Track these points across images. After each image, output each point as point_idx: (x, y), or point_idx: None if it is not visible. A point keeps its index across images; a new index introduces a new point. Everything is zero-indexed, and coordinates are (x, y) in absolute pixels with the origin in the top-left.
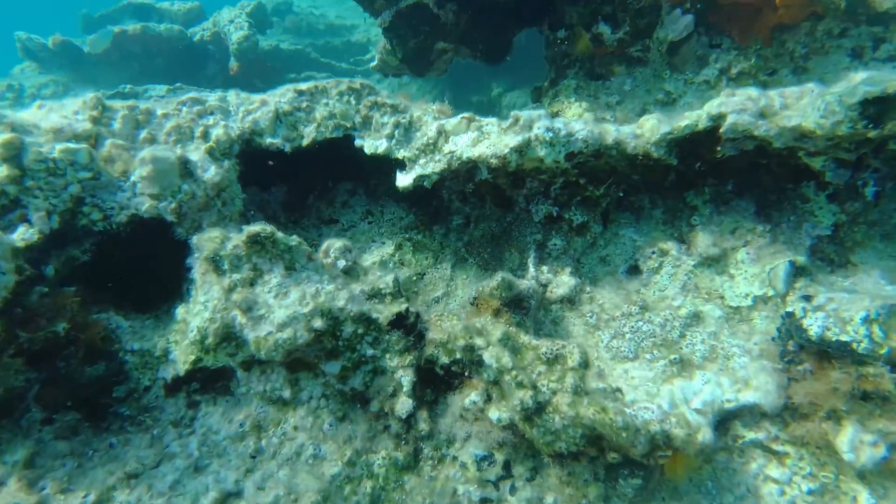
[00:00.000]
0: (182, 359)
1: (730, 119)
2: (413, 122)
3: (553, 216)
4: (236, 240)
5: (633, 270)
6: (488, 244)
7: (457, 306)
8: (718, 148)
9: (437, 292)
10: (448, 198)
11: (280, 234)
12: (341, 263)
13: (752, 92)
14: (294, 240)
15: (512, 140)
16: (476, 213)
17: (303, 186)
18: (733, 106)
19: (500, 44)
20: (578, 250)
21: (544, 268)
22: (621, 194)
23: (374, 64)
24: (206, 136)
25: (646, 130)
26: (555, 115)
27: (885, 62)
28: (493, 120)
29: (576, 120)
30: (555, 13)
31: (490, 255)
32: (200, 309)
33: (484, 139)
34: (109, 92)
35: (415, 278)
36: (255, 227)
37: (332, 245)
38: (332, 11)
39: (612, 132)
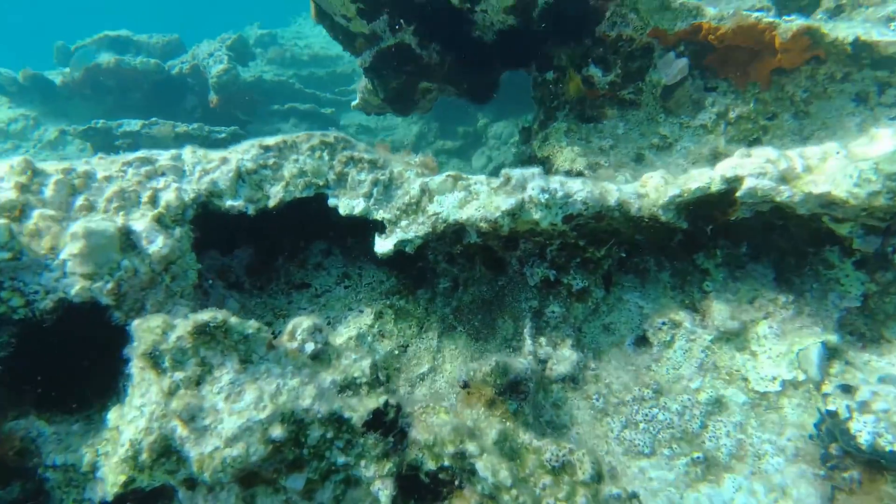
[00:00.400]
0: (111, 479)
1: (748, 183)
2: (393, 180)
3: (550, 280)
4: (181, 329)
5: (642, 342)
6: (479, 310)
7: (445, 385)
8: (733, 211)
9: (423, 367)
10: (434, 259)
11: (234, 321)
12: (309, 347)
13: (770, 152)
14: (251, 326)
15: (504, 202)
16: (465, 276)
17: (271, 247)
18: (751, 168)
19: (486, 83)
20: (579, 318)
21: (542, 339)
22: (623, 255)
23: (355, 103)
24: (154, 201)
25: (651, 190)
26: (545, 160)
27: (891, 107)
28: (481, 178)
29: (573, 179)
30: (543, 54)
31: (481, 322)
32: (135, 415)
33: (472, 200)
34: (81, 127)
35: (397, 352)
36: (204, 316)
37: (300, 325)
38: (317, 42)
39: (613, 193)
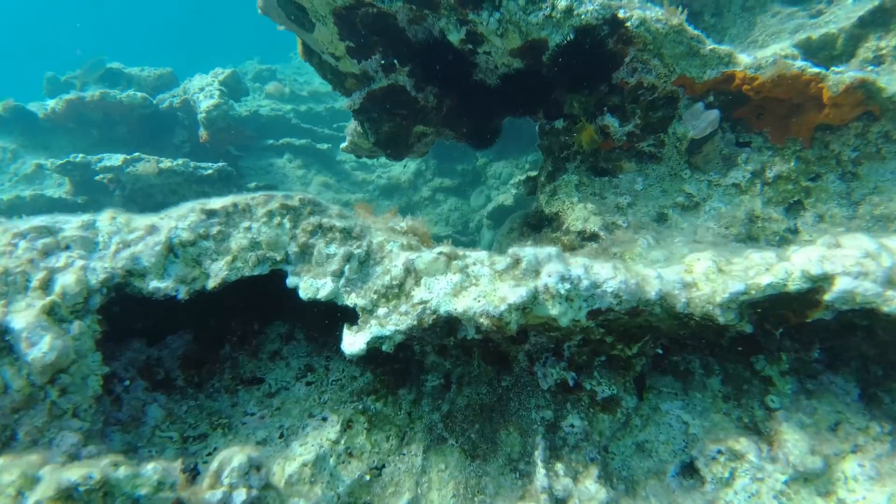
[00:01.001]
0: None
1: (842, 284)
2: (372, 254)
3: (568, 384)
4: (41, 492)
5: (689, 472)
6: (476, 418)
7: None
8: (812, 313)
9: (402, 498)
10: (420, 350)
11: (120, 476)
12: (239, 498)
13: (867, 242)
14: (147, 481)
15: (511, 293)
16: (460, 373)
17: (216, 331)
18: (845, 264)
19: (487, 129)
20: (605, 434)
21: (559, 466)
22: (660, 351)
23: (344, 146)
24: (47, 285)
25: (700, 277)
26: (553, 217)
27: None
28: (482, 256)
29: (600, 263)
30: (552, 101)
31: (479, 434)
32: None
33: (470, 286)
34: (59, 161)
35: (368, 477)
36: (73, 474)
37: (227, 464)
38: (318, 79)
39: (653, 282)
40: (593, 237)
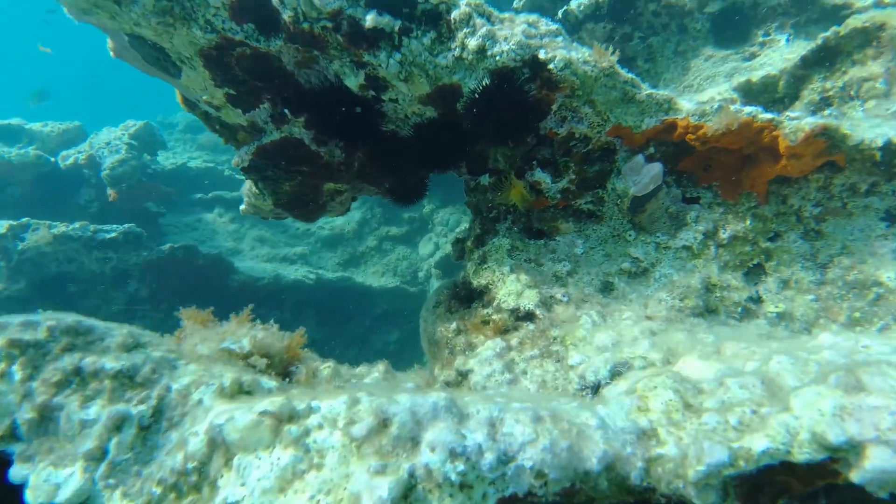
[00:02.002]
0: None
1: (877, 459)
2: (166, 410)
3: None
4: None
5: None
6: None
7: None
8: (823, 482)
9: None
10: None
11: None
12: None
13: None
14: None
15: (372, 483)
16: None
17: None
18: (878, 426)
19: (410, 183)
20: None
21: None
22: None
23: (243, 207)
24: None
25: (660, 419)
26: (483, 291)
27: None
28: (335, 410)
29: (517, 413)
30: (476, 154)
31: None
32: None
33: (309, 471)
34: None
35: None
36: None
37: None
38: None
39: (594, 439)
40: (529, 316)
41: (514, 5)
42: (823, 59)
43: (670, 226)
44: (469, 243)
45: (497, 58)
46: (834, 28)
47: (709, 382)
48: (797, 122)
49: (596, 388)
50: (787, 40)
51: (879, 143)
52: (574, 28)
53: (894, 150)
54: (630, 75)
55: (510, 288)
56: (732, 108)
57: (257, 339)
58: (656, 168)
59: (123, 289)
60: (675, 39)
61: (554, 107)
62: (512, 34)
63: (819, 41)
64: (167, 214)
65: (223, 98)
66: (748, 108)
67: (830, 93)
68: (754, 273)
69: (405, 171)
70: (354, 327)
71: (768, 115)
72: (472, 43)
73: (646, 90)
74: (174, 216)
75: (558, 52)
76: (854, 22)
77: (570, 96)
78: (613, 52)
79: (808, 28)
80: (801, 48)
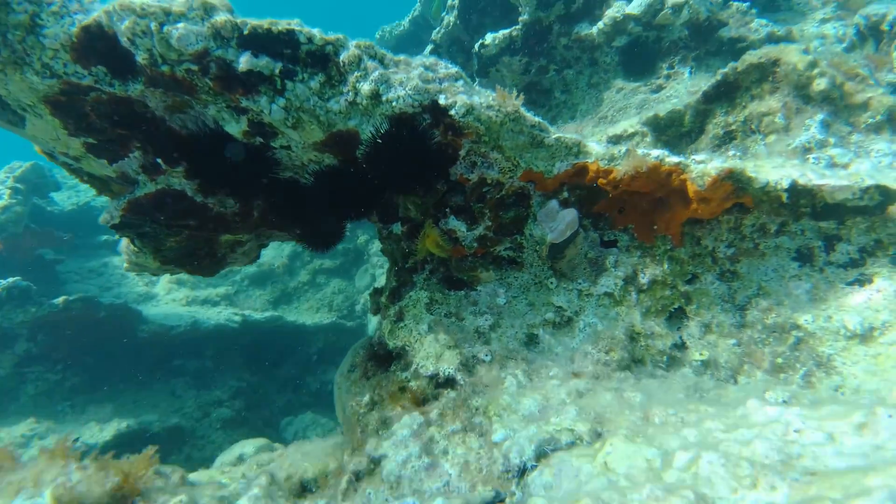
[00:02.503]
0: None
1: None
2: None
3: None
4: None
5: None
6: None
7: None
8: None
9: None
10: None
11: None
12: None
13: None
14: None
15: None
16: None
17: None
18: None
19: (321, 232)
20: None
21: None
22: None
23: (125, 266)
24: None
25: None
26: (400, 353)
27: (845, 268)
28: None
29: None
30: (386, 202)
31: None
32: None
33: None
34: None
35: None
36: None
37: None
38: None
39: None
40: (449, 382)
41: (433, 36)
42: (724, 94)
43: (591, 272)
44: (384, 298)
45: (394, 103)
46: (731, 64)
47: (638, 494)
48: (703, 167)
49: (521, 472)
50: (690, 73)
51: (784, 185)
52: (491, 61)
53: (799, 191)
54: (537, 119)
55: (428, 350)
56: (639, 151)
57: (67, 487)
58: (571, 214)
59: (10, 350)
60: (588, 72)
61: (462, 152)
62: (408, 78)
63: (718, 77)
64: (66, 261)
65: (82, 148)
66: (655, 152)
67: (733, 127)
68: (676, 318)
69: (310, 220)
70: (287, 370)
71: (675, 159)
72: (365, 87)
73: (554, 134)
74: (75, 262)
75: (458, 97)
76: (750, 58)
77: (477, 142)
78: (517, 95)
79: (707, 60)
80: (704, 80)
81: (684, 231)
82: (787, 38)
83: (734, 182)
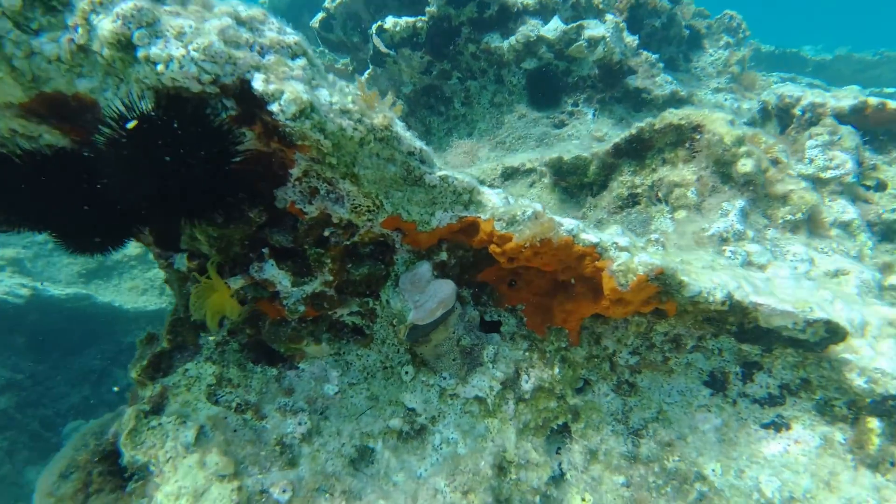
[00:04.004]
0: None
1: None
2: None
3: None
4: None
5: None
6: None
7: None
8: None
9: None
10: None
11: None
12: None
13: None
14: None
15: None
16: None
17: None
18: None
19: (75, 229)
20: None
21: None
22: None
23: None
24: None
25: None
26: (139, 474)
27: (761, 404)
28: None
29: None
30: (162, 221)
31: None
32: None
33: None
34: None
35: None
36: None
37: None
38: None
39: None
40: None
41: (326, 3)
42: (634, 150)
43: (461, 364)
44: (143, 366)
45: (160, 67)
46: (649, 119)
47: None
48: (628, 259)
49: None
50: (594, 114)
51: (718, 297)
52: (390, 50)
53: (733, 305)
54: (417, 144)
55: (183, 482)
56: (548, 218)
57: None
58: (446, 289)
59: None
60: (493, 89)
61: (295, 171)
62: (196, 31)
63: (633, 131)
64: None
65: None
66: (568, 223)
67: (639, 190)
68: (558, 439)
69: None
70: (88, 360)
71: (591, 237)
72: (107, 27)
73: (440, 171)
74: None
75: (290, 85)
76: (670, 117)
77: (321, 162)
78: (394, 104)
79: (611, 105)
80: (606, 125)
81: (583, 324)
82: (689, 101)
83: (661, 285)
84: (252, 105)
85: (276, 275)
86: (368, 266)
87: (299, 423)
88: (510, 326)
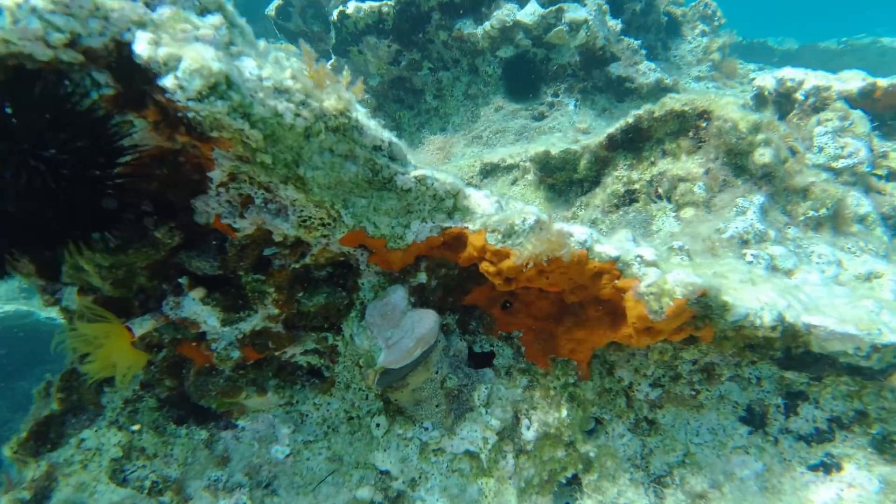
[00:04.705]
0: None
1: None
2: None
3: None
4: None
5: None
6: None
7: None
8: None
9: None
10: None
11: None
12: None
13: None
14: None
15: None
16: None
17: None
18: None
19: None
20: None
21: None
22: None
23: None
24: None
25: None
26: None
27: (808, 442)
28: None
29: None
30: (45, 255)
31: None
32: None
33: None
34: None
35: None
36: None
37: None
38: None
39: None
40: None
41: None
42: (630, 142)
43: (447, 411)
44: (22, 438)
45: None
46: (647, 106)
47: None
48: (660, 279)
49: None
50: (575, 105)
51: (768, 320)
52: (353, 38)
53: (785, 329)
54: (387, 136)
55: None
56: (556, 230)
57: None
58: (427, 323)
59: None
60: (466, 79)
61: (217, 174)
62: None
63: (630, 119)
64: None
65: None
66: (578, 232)
67: (637, 185)
68: (567, 491)
69: None
70: (34, 382)
71: (610, 251)
72: None
73: (416, 170)
74: None
75: (192, 48)
76: (672, 103)
77: (249, 161)
78: (353, 82)
79: (593, 95)
80: (589, 116)
81: (595, 355)
82: (674, 89)
83: (701, 309)
84: (138, 80)
85: (200, 311)
86: (325, 294)
87: None
88: (505, 358)
